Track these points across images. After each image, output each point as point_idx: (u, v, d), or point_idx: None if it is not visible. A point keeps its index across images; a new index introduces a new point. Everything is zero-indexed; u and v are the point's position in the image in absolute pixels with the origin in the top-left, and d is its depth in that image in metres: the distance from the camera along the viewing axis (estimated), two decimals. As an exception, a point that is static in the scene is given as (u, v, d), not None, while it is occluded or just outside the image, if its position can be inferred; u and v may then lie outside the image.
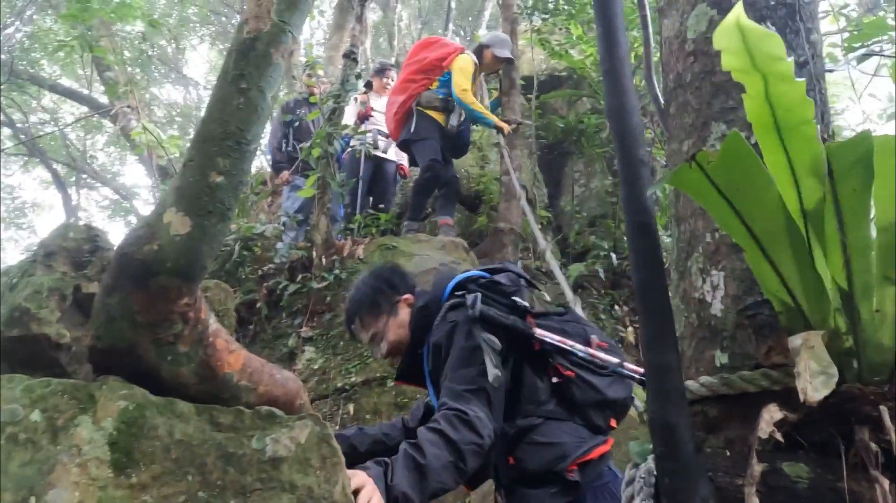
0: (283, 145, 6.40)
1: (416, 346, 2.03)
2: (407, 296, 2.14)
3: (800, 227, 1.01)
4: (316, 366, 4.33)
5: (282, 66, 2.04)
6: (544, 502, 1.71)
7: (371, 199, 5.73)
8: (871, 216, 1.06)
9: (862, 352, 1.01)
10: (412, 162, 5.56)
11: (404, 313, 2.10)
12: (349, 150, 5.38)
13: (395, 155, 5.87)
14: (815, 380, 0.89)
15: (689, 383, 1.12)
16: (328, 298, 4.52)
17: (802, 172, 0.96)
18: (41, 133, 12.37)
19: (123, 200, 16.46)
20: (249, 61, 1.93)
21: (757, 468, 0.94)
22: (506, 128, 5.43)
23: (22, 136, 11.54)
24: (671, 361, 1.04)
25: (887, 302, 1.01)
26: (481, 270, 2.13)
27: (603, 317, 5.04)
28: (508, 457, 1.85)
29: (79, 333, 1.85)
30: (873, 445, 0.95)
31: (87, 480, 1.56)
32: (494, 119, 5.37)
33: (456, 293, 2.00)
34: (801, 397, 0.89)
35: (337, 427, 4.18)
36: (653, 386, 1.04)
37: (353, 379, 4.17)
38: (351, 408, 3.89)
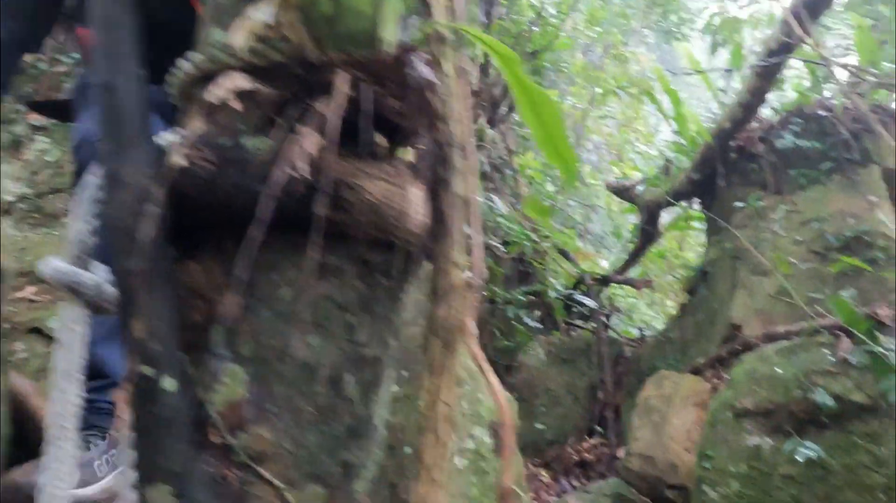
0: None
1: None
2: None
3: None
4: (51, 159, 3.91)
5: None
6: None
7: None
8: None
9: (341, 19, 0.91)
10: None
11: None
12: None
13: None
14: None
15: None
16: (67, 83, 3.98)
17: None
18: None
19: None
20: None
21: (196, 128, 0.85)
22: None
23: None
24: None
25: (371, -37, 0.90)
26: None
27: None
28: None
29: None
30: (323, 111, 0.88)
31: None
32: None
33: None
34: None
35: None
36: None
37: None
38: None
